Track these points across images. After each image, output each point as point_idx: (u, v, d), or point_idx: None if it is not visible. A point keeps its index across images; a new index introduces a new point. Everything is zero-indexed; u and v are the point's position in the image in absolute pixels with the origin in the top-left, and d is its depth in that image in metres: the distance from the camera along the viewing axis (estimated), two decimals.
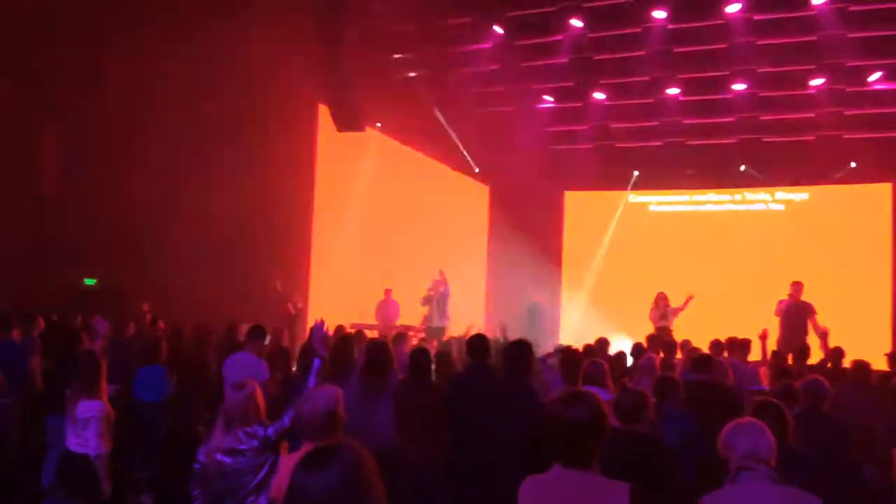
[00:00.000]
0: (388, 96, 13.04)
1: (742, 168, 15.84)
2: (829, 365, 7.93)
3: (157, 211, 9.92)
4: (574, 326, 16.03)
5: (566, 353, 5.72)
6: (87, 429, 4.68)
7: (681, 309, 12.05)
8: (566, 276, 18.06)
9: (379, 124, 13.95)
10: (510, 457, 4.13)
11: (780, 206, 16.46)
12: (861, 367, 6.41)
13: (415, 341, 12.02)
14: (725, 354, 7.81)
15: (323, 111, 12.37)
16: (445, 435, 5.06)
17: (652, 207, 17.57)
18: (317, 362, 4.00)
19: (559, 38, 12.28)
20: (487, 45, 12.53)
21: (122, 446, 5.07)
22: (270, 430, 3.64)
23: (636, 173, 16.80)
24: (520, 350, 4.85)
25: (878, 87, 12.44)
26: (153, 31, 9.70)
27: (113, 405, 4.95)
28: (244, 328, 7.07)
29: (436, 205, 15.92)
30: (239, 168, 10.80)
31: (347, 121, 11.61)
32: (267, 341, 7.01)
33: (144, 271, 9.79)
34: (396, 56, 13.03)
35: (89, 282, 9.95)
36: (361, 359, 5.65)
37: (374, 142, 14.04)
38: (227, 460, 3.58)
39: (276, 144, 11.51)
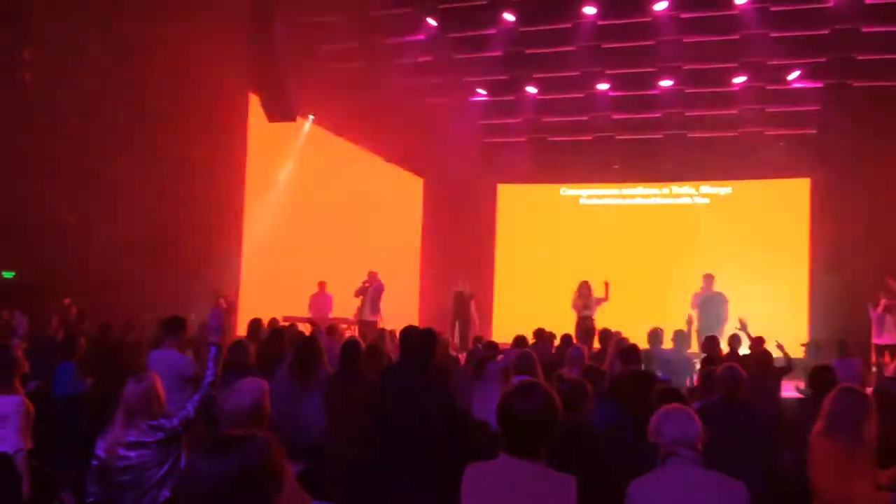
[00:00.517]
0: (321, 87, 12.89)
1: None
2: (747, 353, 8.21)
3: (74, 204, 9.57)
4: (507, 318, 16.19)
5: (486, 344, 5.76)
6: (5, 426, 4.50)
7: (604, 299, 12.24)
8: (499, 269, 18.23)
9: (312, 116, 13.80)
10: (423, 451, 4.14)
11: (705, 200, 16.95)
12: (764, 353, 6.66)
13: (348, 334, 11.98)
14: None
15: (253, 101, 12.13)
16: (373, 427, 5.05)
17: (582, 201, 17.87)
18: (213, 350, 3.88)
19: (492, 31, 12.34)
20: (421, 37, 12.50)
21: (42, 444, 4.89)
22: (175, 421, 3.61)
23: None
24: (424, 339, 4.84)
25: (796, 85, 12.90)
26: (66, 20, 9.33)
27: (33, 402, 4.78)
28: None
29: (370, 197, 15.84)
30: (162, 160, 10.47)
31: (278, 111, 11.41)
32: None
33: (63, 266, 9.45)
34: (329, 46, 12.88)
35: (8, 275, 9.58)
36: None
37: (307, 133, 13.88)
38: (132, 454, 3.51)
39: (204, 133, 11.22)
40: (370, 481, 4.77)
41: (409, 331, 5.22)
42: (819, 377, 5.10)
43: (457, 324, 14.60)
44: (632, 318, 14.34)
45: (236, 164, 12.44)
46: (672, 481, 2.84)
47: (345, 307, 13.34)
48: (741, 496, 2.80)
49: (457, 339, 14.09)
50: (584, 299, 12.14)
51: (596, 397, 4.92)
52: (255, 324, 8.61)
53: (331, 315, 12.81)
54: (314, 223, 14.12)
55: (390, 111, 14.53)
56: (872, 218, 14.24)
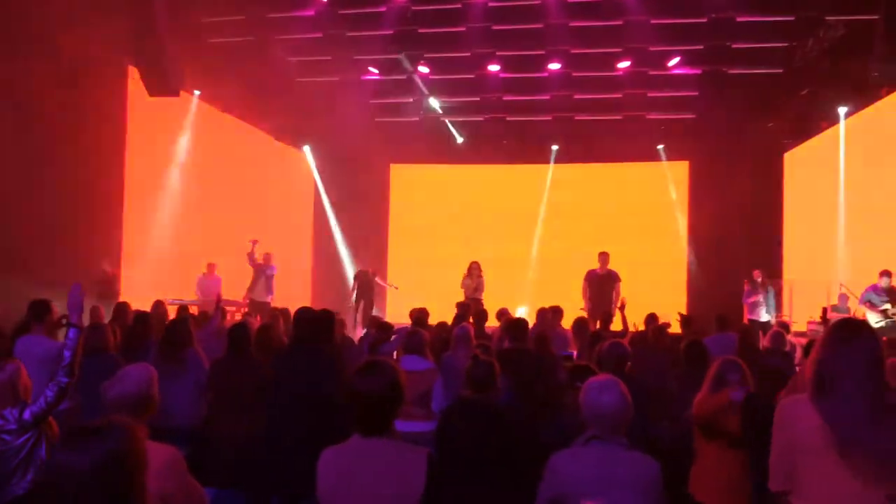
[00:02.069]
0: (207, 61, 12.43)
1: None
2: (640, 328, 8.55)
3: None
4: (400, 297, 16.21)
5: (380, 325, 5.75)
6: None
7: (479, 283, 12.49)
8: (392, 249, 18.22)
9: (198, 91, 13.29)
10: (321, 432, 4.11)
11: (591, 181, 17.45)
12: (658, 329, 6.97)
13: (238, 316, 11.70)
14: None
15: (134, 75, 11.53)
16: (265, 411, 4.96)
17: (474, 181, 18.04)
18: (71, 333, 3.68)
19: (383, 9, 12.21)
20: (310, 13, 12.23)
21: None
22: (27, 413, 3.50)
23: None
24: (322, 320, 4.80)
25: (676, 71, 13.42)
26: None
27: None
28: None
29: (259, 176, 15.46)
30: (32, 135, 9.82)
31: (159, 85, 10.92)
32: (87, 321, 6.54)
33: None
34: (214, 19, 12.40)
35: None
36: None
37: (193, 109, 13.36)
38: None
39: (77, 108, 10.59)
40: (261, 466, 4.70)
41: (304, 312, 5.15)
42: (692, 351, 5.36)
43: (361, 303, 14.60)
44: (528, 297, 14.69)
45: (115, 140, 11.82)
46: (591, 457, 2.90)
47: (235, 289, 13.02)
48: (653, 474, 2.89)
49: (359, 319, 14.09)
50: (475, 280, 12.32)
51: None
52: (120, 307, 8.28)
53: (220, 296, 12.44)
54: (202, 203, 13.66)
55: (279, 88, 14.18)
56: (746, 199, 15.07)
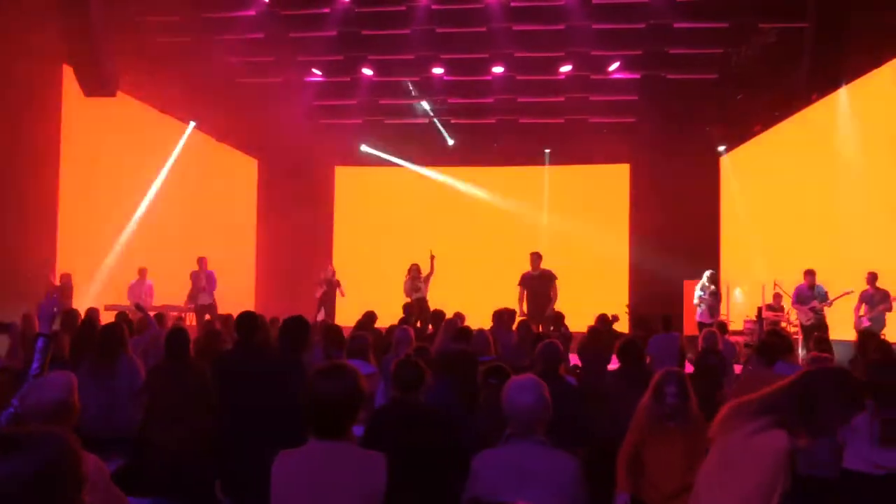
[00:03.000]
0: (146, 61, 12.17)
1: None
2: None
3: None
4: (347, 301, 16.13)
5: (329, 329, 5.73)
6: None
7: (430, 273, 12.57)
8: (338, 252, 18.12)
9: (131, 92, 13.00)
10: (280, 434, 4.08)
11: (536, 184, 17.65)
12: (594, 330, 7.10)
13: (179, 322, 11.48)
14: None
15: (69, 74, 11.21)
16: (208, 415, 4.89)
17: (419, 183, 18.07)
18: (41, 342, 3.61)
19: (326, 10, 12.14)
20: (251, 13, 12.09)
21: None
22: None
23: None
24: (296, 326, 4.78)
25: (616, 76, 13.66)
26: None
27: None
28: None
29: (201, 179, 15.20)
30: None
31: (96, 84, 10.62)
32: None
33: None
34: (153, 18, 12.15)
35: None
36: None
37: (131, 110, 13.06)
38: None
39: (11, 108, 10.26)
40: (200, 473, 4.63)
41: (247, 317, 5.11)
42: (627, 350, 5.48)
43: (322, 309, 14.50)
44: (468, 297, 14.73)
45: (49, 141, 11.47)
46: (513, 456, 2.93)
47: (171, 294, 12.78)
48: (572, 471, 2.94)
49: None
50: (414, 281, 12.37)
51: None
52: (70, 315, 8.07)
53: (152, 302, 12.17)
54: (139, 205, 13.36)
55: (221, 89, 13.98)
56: (685, 201, 15.42)
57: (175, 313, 12.34)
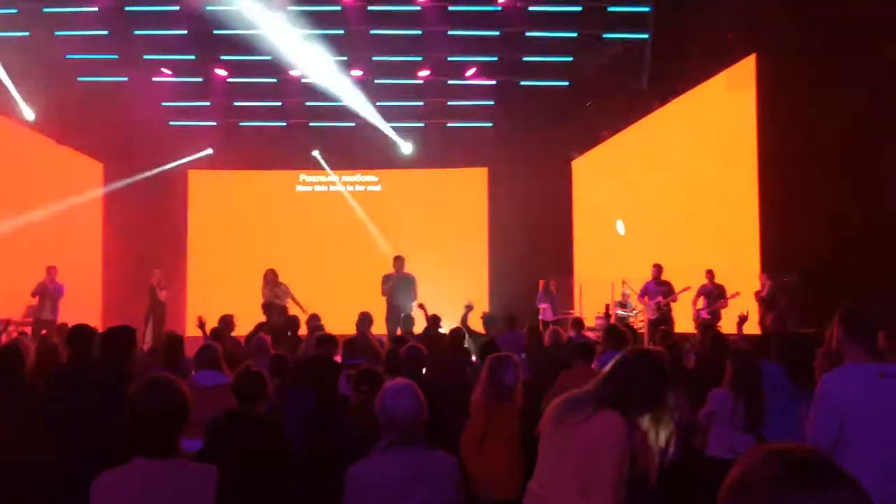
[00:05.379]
0: None
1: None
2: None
3: None
4: (201, 310, 15.57)
5: (172, 339, 5.52)
6: None
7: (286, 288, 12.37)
8: (192, 259, 17.43)
9: None
10: (107, 452, 3.88)
11: (396, 187, 17.71)
12: (454, 332, 7.24)
13: (16, 334, 10.66)
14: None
15: None
16: (48, 432, 4.58)
17: (277, 187, 17.70)
18: None
19: (175, 7, 11.71)
20: (94, 8, 11.49)
21: None
22: None
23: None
24: (118, 337, 4.54)
25: (473, 81, 13.98)
26: None
27: None
28: None
29: (40, 183, 14.17)
30: None
31: None
32: None
33: None
34: None
35: None
36: None
37: None
38: None
39: None
40: (27, 494, 4.33)
41: (80, 330, 4.81)
42: (487, 348, 5.62)
43: (150, 320, 13.73)
44: (330, 302, 14.59)
45: None
46: (392, 462, 2.89)
47: (8, 306, 11.87)
48: (453, 470, 2.99)
49: (149, 337, 13.21)
50: (272, 287, 12.10)
51: (284, 387, 4.94)
52: None
53: None
54: None
55: (61, 88, 13.13)
56: (540, 204, 15.94)
57: (11, 327, 11.48)
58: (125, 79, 13.66)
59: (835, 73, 8.96)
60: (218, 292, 15.08)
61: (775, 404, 4.40)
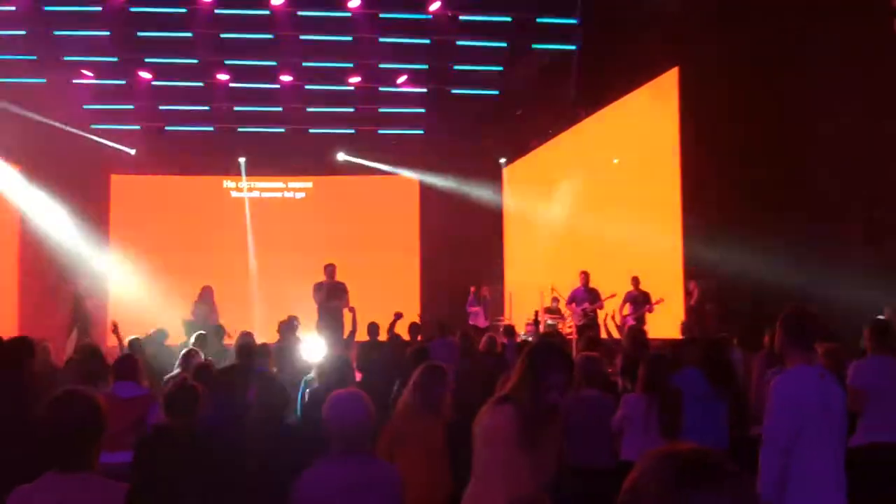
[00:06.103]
0: None
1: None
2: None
3: None
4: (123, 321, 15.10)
5: (88, 349, 5.35)
6: None
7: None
8: (115, 265, 16.87)
9: None
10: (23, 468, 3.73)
11: (325, 194, 17.56)
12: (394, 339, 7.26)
13: None
14: None
15: None
16: None
17: (202, 193, 17.34)
18: None
19: (97, 7, 11.37)
20: (11, 7, 11.06)
21: None
22: None
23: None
24: (12, 347, 4.38)
25: (404, 89, 13.99)
26: None
27: None
28: None
29: None
30: None
31: None
32: None
33: None
34: None
35: None
36: None
37: None
38: None
39: None
40: None
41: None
42: (417, 356, 5.61)
43: (75, 329, 13.13)
44: (258, 311, 14.40)
45: None
46: (339, 471, 2.91)
47: None
48: (398, 480, 3.02)
49: (70, 348, 12.61)
50: (207, 304, 11.81)
51: (220, 396, 4.82)
52: None
53: None
54: None
55: None
56: (470, 210, 16.06)
57: None
58: (43, 80, 13.16)
59: (756, 86, 9.28)
60: (141, 302, 14.64)
61: (695, 408, 4.49)
